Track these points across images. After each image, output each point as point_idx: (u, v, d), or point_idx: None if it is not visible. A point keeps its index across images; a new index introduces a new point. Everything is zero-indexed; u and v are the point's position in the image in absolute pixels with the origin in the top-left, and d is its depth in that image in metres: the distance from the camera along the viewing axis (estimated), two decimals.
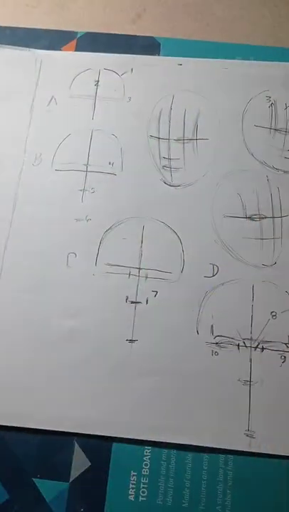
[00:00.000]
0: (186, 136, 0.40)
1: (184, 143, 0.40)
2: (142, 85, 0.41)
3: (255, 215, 0.38)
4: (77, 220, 0.38)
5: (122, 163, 0.39)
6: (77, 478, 0.34)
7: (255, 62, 0.41)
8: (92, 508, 0.33)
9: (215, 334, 0.36)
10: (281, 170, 0.39)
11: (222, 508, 0.33)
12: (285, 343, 0.35)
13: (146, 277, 0.37)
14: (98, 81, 0.41)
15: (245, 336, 0.36)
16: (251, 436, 0.34)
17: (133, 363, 0.35)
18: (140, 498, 0.33)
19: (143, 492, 0.33)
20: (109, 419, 0.34)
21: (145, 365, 0.35)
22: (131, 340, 0.36)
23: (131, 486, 0.33)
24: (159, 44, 0.43)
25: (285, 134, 0.40)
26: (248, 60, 0.42)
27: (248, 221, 0.38)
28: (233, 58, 0.42)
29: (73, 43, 0.43)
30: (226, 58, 0.42)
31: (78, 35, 0.43)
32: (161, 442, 0.34)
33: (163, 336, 0.36)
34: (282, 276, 0.37)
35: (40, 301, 0.36)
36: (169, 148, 0.39)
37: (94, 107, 0.41)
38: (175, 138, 0.40)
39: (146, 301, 0.36)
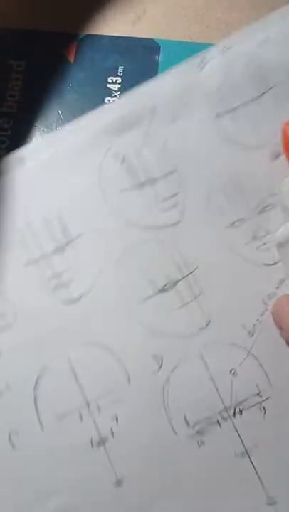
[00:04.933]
0: (60, 243, 0.32)
1: (62, 251, 0.31)
2: None
3: (166, 284, 0.31)
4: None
5: (13, 308, 0.31)
6: None
7: (84, 122, 0.34)
8: None
9: (192, 424, 0.30)
10: (167, 225, 0.32)
11: None
12: (257, 394, 0.30)
13: (99, 409, 0.30)
14: None
15: (218, 408, 0.31)
16: (274, 503, 0.29)
17: (127, 505, 0.29)
18: None
19: None
20: None
21: (141, 500, 0.29)
22: (118, 484, 0.29)
23: None
24: (159, 46, 0.37)
25: (152, 184, 0.32)
26: None
27: (164, 294, 0.31)
28: None
29: (74, 45, 0.38)
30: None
31: (79, 37, 0.39)
32: None
33: (145, 458, 0.30)
34: (222, 329, 0.32)
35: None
36: (51, 265, 0.31)
37: None
38: (51, 251, 0.31)
39: (112, 433, 0.29)
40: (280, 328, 0.30)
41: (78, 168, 0.33)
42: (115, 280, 0.32)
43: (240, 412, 0.30)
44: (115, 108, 0.34)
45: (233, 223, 0.33)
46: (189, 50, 0.37)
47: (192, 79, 0.34)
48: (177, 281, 0.32)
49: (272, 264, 0.32)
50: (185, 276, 0.32)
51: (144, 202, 0.33)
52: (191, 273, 0.32)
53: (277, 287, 0.32)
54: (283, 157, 0.33)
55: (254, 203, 0.32)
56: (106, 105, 0.35)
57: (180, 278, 0.32)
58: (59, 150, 0.33)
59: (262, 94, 0.33)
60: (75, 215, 0.33)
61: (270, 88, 0.33)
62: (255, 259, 0.32)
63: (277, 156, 0.33)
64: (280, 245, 0.31)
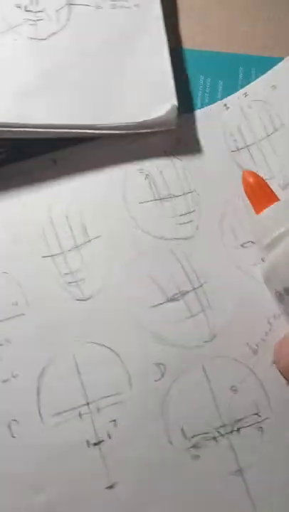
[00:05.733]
0: (78, 242, 0.32)
1: (79, 250, 0.32)
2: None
3: (175, 294, 0.31)
4: (4, 381, 0.29)
5: (26, 298, 0.30)
6: None
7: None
8: None
9: (188, 437, 0.29)
10: (181, 238, 0.33)
11: None
12: (256, 413, 0.30)
13: (99, 409, 0.29)
14: None
15: (216, 424, 0.30)
16: None
17: (116, 509, 0.28)
18: None
19: None
20: None
21: (131, 505, 0.29)
22: (110, 487, 0.28)
23: None
24: None
25: (171, 199, 0.33)
26: (250, 70, 0.37)
27: (172, 303, 0.31)
28: (235, 68, 0.37)
29: None
30: (227, 68, 0.37)
31: None
32: None
33: (140, 466, 0.29)
34: (227, 345, 0.32)
35: None
36: (67, 262, 0.31)
37: None
38: (68, 248, 0.32)
39: (109, 435, 0.29)
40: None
41: (105, 176, 0.34)
42: (127, 284, 0.32)
43: (238, 430, 0.30)
44: None
45: (243, 244, 0.34)
46: (190, 57, 0.38)
47: (217, 117, 0.36)
48: (186, 292, 0.32)
49: None
50: (194, 289, 0.32)
51: (161, 214, 0.34)
52: (201, 286, 0.32)
53: None
54: None
55: None
56: None
57: (190, 289, 0.32)
58: (90, 159, 0.35)
59: (271, 134, 0.36)
60: (96, 218, 0.33)
61: (278, 129, 0.35)
62: (262, 280, 0.33)
63: (286, 186, 0.35)
64: (266, 281, 0.32)
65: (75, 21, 0.36)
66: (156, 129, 0.34)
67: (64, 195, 0.34)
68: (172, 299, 0.32)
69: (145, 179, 0.34)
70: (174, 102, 0.34)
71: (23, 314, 0.31)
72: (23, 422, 0.29)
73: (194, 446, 0.30)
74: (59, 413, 0.30)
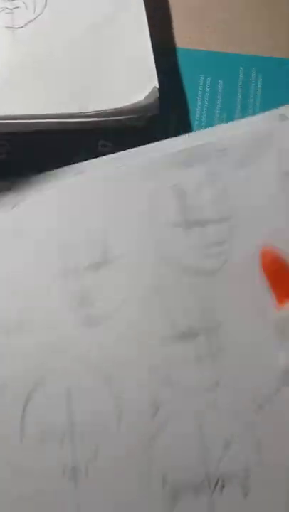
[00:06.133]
0: (96, 260, 0.31)
1: (97, 269, 0.30)
2: None
3: (185, 332, 0.30)
4: None
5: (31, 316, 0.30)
6: None
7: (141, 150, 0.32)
8: None
9: (169, 485, 0.28)
10: (206, 272, 0.31)
11: None
12: (245, 475, 0.29)
13: (82, 439, 0.28)
14: None
15: (200, 477, 0.29)
16: None
17: None
18: None
19: None
20: None
21: None
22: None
23: None
24: None
25: (202, 225, 0.31)
26: (250, 71, 0.37)
27: (180, 342, 0.30)
28: (235, 68, 0.37)
29: None
30: (227, 68, 0.37)
31: None
32: None
33: (112, 502, 0.28)
34: (229, 396, 0.29)
35: None
36: (82, 280, 0.30)
37: None
38: (86, 264, 0.31)
39: (86, 470, 0.28)
40: None
41: (133, 191, 0.32)
42: (136, 315, 0.30)
43: (222, 487, 0.29)
44: (184, 140, 0.33)
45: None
46: (189, 57, 0.37)
47: (270, 130, 0.32)
48: (198, 332, 0.30)
49: None
50: (207, 330, 0.30)
51: (188, 243, 0.31)
52: (215, 328, 0.30)
53: None
54: None
55: None
56: (176, 137, 0.34)
57: (201, 330, 0.30)
58: (121, 169, 0.32)
59: None
60: (119, 237, 0.31)
61: None
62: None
63: None
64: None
65: (52, 8, 0.35)
66: (140, 115, 0.33)
67: (88, 208, 0.32)
68: (181, 337, 0.30)
69: (177, 198, 0.32)
70: (155, 85, 0.32)
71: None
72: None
73: (173, 498, 0.28)
74: (41, 435, 0.29)
